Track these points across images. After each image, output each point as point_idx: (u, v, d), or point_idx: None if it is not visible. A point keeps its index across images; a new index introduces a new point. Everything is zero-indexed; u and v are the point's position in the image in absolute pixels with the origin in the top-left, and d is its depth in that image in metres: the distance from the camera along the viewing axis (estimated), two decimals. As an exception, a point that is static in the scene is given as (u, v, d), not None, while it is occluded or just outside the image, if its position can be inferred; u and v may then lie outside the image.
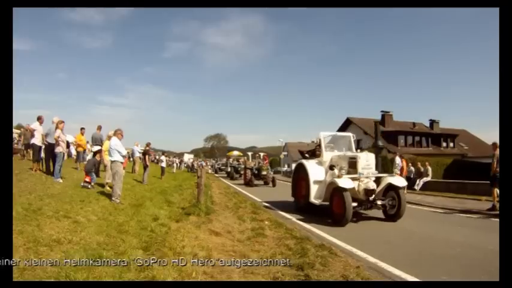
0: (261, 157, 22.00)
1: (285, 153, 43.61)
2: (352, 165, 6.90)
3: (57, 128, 8.34)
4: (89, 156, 10.97)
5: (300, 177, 8.21)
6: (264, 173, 17.99)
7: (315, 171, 7.69)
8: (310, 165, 7.87)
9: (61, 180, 8.09)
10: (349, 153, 7.50)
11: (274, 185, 17.28)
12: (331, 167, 7.16)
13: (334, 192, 6.52)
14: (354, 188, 6.38)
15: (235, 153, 32.20)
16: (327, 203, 6.89)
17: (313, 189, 7.50)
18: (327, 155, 7.83)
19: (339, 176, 6.57)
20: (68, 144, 9.92)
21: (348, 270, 3.52)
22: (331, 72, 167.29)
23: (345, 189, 6.20)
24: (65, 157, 9.20)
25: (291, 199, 8.87)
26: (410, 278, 3.40)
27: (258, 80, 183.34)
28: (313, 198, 7.45)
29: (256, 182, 17.77)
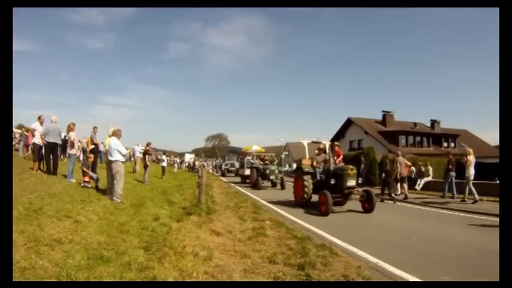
0: (330, 150, 9.23)
1: (286, 153, 43.62)
2: None
3: (70, 130, 9.11)
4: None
5: None
6: (351, 183, 8.02)
7: None
8: None
9: (74, 180, 8.47)
10: None
11: (371, 209, 7.90)
12: None
13: None
14: None
15: (255, 147, 21.42)
16: None
17: None
18: None
19: None
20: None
21: (349, 270, 3.52)
22: (332, 73, 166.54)
23: None
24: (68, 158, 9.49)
25: None
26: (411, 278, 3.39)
27: (259, 80, 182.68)
28: None
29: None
